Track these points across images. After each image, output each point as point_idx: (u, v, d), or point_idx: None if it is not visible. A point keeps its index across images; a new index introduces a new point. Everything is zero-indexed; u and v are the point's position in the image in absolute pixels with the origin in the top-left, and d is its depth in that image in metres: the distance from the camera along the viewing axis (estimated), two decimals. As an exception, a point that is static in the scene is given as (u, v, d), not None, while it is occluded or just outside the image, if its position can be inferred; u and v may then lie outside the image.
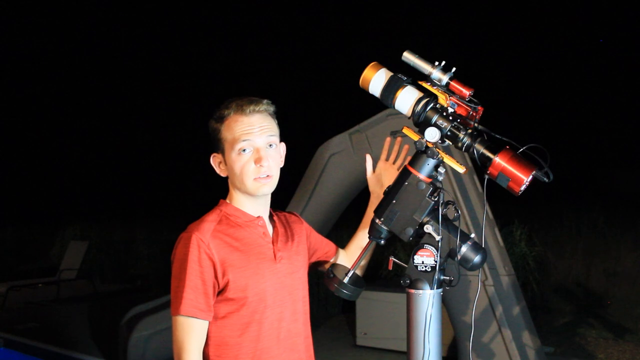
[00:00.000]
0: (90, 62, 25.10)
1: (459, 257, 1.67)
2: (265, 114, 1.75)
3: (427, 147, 1.66)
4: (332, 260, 2.02)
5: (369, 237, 1.78)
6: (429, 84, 1.68)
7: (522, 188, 1.59)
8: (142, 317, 5.47)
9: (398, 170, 1.80)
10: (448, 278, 1.69)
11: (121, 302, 7.93)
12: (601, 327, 6.72)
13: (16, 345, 5.95)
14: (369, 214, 1.94)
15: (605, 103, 17.91)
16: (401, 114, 1.75)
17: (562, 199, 11.07)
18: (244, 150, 1.71)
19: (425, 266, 1.67)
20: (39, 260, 12.36)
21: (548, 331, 6.53)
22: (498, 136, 1.64)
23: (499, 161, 1.59)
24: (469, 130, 1.64)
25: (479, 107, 1.65)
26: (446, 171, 1.76)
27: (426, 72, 1.68)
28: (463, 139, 1.64)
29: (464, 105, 1.65)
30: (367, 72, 1.76)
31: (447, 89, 1.67)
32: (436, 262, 1.65)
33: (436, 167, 1.69)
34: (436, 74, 1.67)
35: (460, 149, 1.66)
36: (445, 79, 1.66)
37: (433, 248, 1.66)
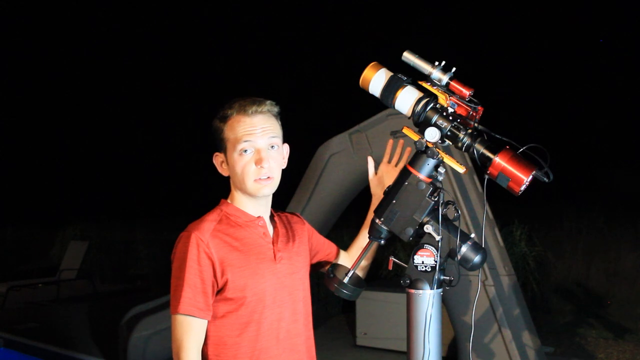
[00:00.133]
0: (90, 62, 25.10)
1: (459, 257, 1.67)
2: (269, 114, 1.75)
3: (427, 147, 1.66)
4: (333, 262, 2.02)
5: (369, 237, 1.78)
6: (429, 84, 1.69)
7: (522, 188, 1.59)
8: (142, 317, 5.47)
9: None
10: (448, 278, 1.69)
11: (121, 302, 7.93)
12: (601, 327, 6.72)
13: (16, 345, 5.95)
14: (371, 216, 1.94)
15: (605, 103, 17.90)
16: (401, 114, 1.75)
17: (562, 199, 11.06)
18: (246, 151, 1.71)
19: (425, 266, 1.67)
20: (39, 260, 12.36)
21: (548, 331, 6.53)
22: (498, 136, 1.64)
23: (499, 161, 1.60)
24: (469, 130, 1.64)
25: (479, 107, 1.65)
26: (446, 171, 1.76)
27: (426, 72, 1.68)
28: (463, 139, 1.64)
29: (464, 105, 1.65)
30: (367, 72, 1.76)
31: (447, 89, 1.67)
32: (436, 262, 1.65)
33: (436, 167, 1.69)
34: (436, 74, 1.67)
35: (460, 149, 1.66)
36: (445, 79, 1.66)
37: (433, 248, 1.66)
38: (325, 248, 2.02)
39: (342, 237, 8.81)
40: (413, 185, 1.68)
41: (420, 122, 1.70)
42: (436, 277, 1.66)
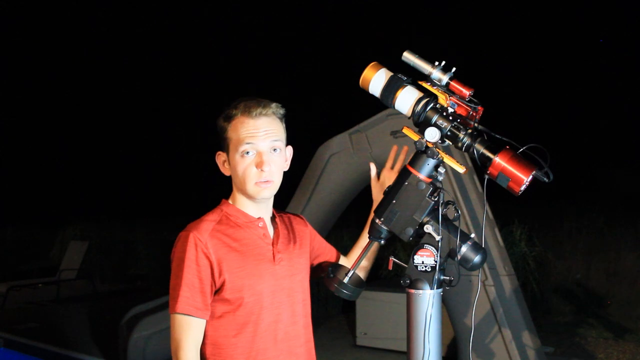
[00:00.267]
0: (90, 62, 25.10)
1: (459, 257, 1.67)
2: (273, 117, 1.74)
3: (427, 147, 1.66)
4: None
5: (369, 237, 1.78)
6: (429, 84, 1.68)
7: (522, 188, 1.59)
8: (142, 317, 5.47)
9: None
10: (448, 278, 1.69)
11: (121, 302, 7.93)
12: (601, 327, 6.72)
13: (16, 345, 5.95)
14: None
15: (605, 103, 17.90)
16: (401, 114, 1.75)
17: (562, 199, 11.06)
18: (247, 152, 1.71)
19: (425, 266, 1.67)
20: (39, 260, 12.36)
21: (548, 331, 6.53)
22: (498, 136, 1.64)
23: (499, 161, 1.60)
24: (469, 130, 1.64)
25: (479, 107, 1.65)
26: (446, 171, 1.76)
27: (426, 72, 1.68)
28: (463, 139, 1.64)
29: (464, 105, 1.65)
30: (367, 72, 1.76)
31: (447, 89, 1.67)
32: (436, 262, 1.65)
33: (436, 167, 1.69)
34: (436, 74, 1.67)
35: (460, 149, 1.66)
36: (445, 79, 1.66)
37: (433, 248, 1.66)
38: (326, 252, 2.01)
39: (342, 237, 8.82)
40: (413, 185, 1.68)
41: (420, 122, 1.69)
42: (436, 277, 1.66)
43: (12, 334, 6.82)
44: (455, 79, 1.66)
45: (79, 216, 13.85)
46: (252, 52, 24.83)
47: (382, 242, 1.78)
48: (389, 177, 1.97)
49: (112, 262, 11.90)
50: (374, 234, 1.76)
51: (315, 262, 1.97)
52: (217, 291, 1.70)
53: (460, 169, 1.64)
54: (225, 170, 1.80)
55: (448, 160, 1.66)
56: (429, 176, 1.69)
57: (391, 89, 1.72)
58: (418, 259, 1.67)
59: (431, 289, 1.66)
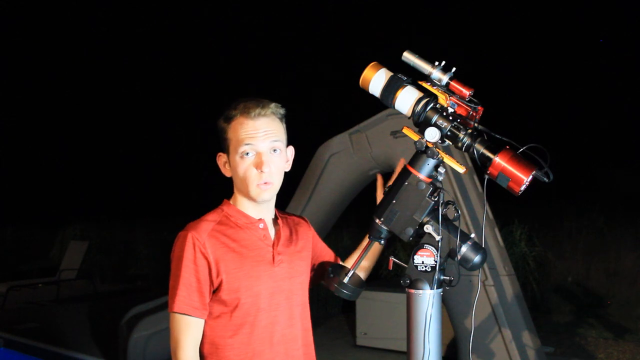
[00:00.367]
0: (90, 62, 25.10)
1: (459, 257, 1.67)
2: (272, 117, 1.74)
3: (427, 147, 1.66)
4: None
5: (369, 238, 1.78)
6: (429, 84, 1.68)
7: (522, 188, 1.59)
8: (142, 317, 5.47)
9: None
10: (448, 278, 1.69)
11: (121, 302, 7.93)
12: (601, 327, 6.72)
13: (16, 345, 5.95)
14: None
15: (605, 103, 17.90)
16: (401, 114, 1.75)
17: (562, 199, 11.06)
18: (247, 154, 1.70)
19: (425, 266, 1.67)
20: (39, 260, 12.36)
21: (548, 331, 6.53)
22: (498, 136, 1.64)
23: (499, 161, 1.59)
24: (469, 130, 1.64)
25: (479, 107, 1.65)
26: (446, 171, 1.76)
27: (426, 72, 1.68)
28: (463, 139, 1.64)
29: (464, 105, 1.65)
30: (367, 72, 1.76)
31: (447, 89, 1.67)
32: (436, 262, 1.65)
33: (436, 167, 1.69)
34: (436, 74, 1.67)
35: (460, 149, 1.66)
36: (445, 79, 1.66)
37: (433, 248, 1.66)
38: (326, 257, 1.99)
39: (342, 237, 8.82)
40: (413, 185, 1.68)
41: (420, 122, 1.69)
42: (436, 277, 1.66)
43: (12, 334, 6.82)
44: (455, 79, 1.66)
45: (79, 216, 13.85)
46: (252, 52, 24.83)
47: (382, 242, 1.78)
48: None
49: (112, 262, 11.90)
50: (374, 234, 1.76)
51: (316, 265, 1.96)
52: (215, 291, 1.70)
53: (460, 169, 1.64)
54: (226, 171, 1.79)
55: (448, 160, 1.66)
56: (429, 176, 1.69)
57: (391, 89, 1.72)
58: (418, 259, 1.67)
59: (431, 289, 1.66)
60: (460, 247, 1.66)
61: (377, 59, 1.79)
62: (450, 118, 1.66)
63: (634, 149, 15.86)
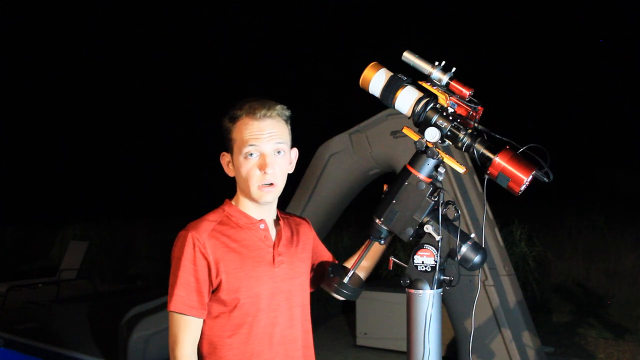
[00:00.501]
0: (90, 62, 25.11)
1: (459, 257, 1.67)
2: (278, 119, 1.73)
3: (427, 147, 1.66)
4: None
5: (369, 238, 1.78)
6: (429, 84, 1.68)
7: (522, 188, 1.59)
8: (142, 317, 5.47)
9: None
10: (448, 278, 1.69)
11: (121, 302, 7.93)
12: (601, 327, 6.72)
13: (16, 345, 5.95)
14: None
15: (605, 103, 17.91)
16: (401, 114, 1.75)
17: (562, 199, 11.06)
18: (251, 154, 1.70)
19: (425, 266, 1.67)
20: (39, 260, 12.36)
21: (548, 331, 6.53)
22: (498, 136, 1.64)
23: (499, 161, 1.59)
24: (469, 130, 1.64)
25: (479, 107, 1.65)
26: (446, 171, 1.76)
27: (426, 72, 1.68)
28: (463, 139, 1.64)
29: (464, 105, 1.65)
30: (367, 72, 1.75)
31: (447, 89, 1.67)
32: (436, 262, 1.65)
33: (436, 167, 1.69)
34: (436, 74, 1.67)
35: (460, 149, 1.66)
36: (445, 79, 1.66)
37: (433, 248, 1.66)
38: (324, 259, 1.99)
39: (342, 237, 8.82)
40: (413, 185, 1.68)
41: (420, 122, 1.69)
42: (436, 277, 1.66)
43: (12, 334, 6.82)
44: (455, 79, 1.66)
45: (79, 216, 13.86)
46: (252, 52, 24.84)
47: (382, 242, 1.78)
48: None
49: (112, 262, 11.90)
50: (374, 234, 1.76)
51: (315, 266, 1.96)
52: (214, 291, 1.70)
53: (460, 169, 1.64)
54: (230, 171, 1.79)
55: (448, 160, 1.66)
56: (429, 176, 1.69)
57: (391, 89, 1.72)
58: (418, 259, 1.67)
59: (431, 289, 1.66)
60: (460, 247, 1.66)
61: (377, 59, 1.79)
62: (450, 118, 1.66)
63: (634, 149, 15.87)
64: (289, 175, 1.81)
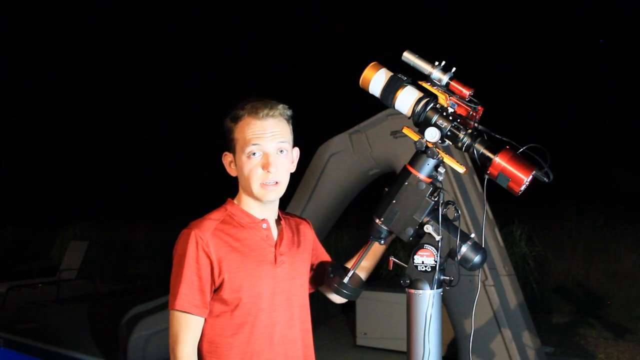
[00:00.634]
0: (90, 62, 25.11)
1: (459, 257, 1.67)
2: (280, 118, 1.74)
3: (427, 147, 1.66)
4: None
5: (369, 238, 1.78)
6: (429, 84, 1.68)
7: (522, 188, 1.59)
8: (142, 317, 5.47)
9: None
10: (448, 278, 1.69)
11: (121, 302, 7.93)
12: (601, 327, 6.72)
13: (16, 345, 5.95)
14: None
15: (605, 103, 17.91)
16: (401, 114, 1.75)
17: (562, 199, 11.06)
18: (254, 154, 1.70)
19: (425, 266, 1.67)
20: (39, 260, 12.36)
21: (548, 331, 6.53)
22: (498, 136, 1.64)
23: (499, 161, 1.59)
24: (469, 130, 1.64)
25: (479, 107, 1.65)
26: (446, 171, 1.76)
27: (426, 72, 1.68)
28: (463, 139, 1.64)
29: (464, 105, 1.65)
30: (367, 72, 1.75)
31: (447, 89, 1.67)
32: (436, 262, 1.65)
33: (436, 167, 1.69)
34: (436, 74, 1.66)
35: (460, 149, 1.66)
36: (445, 79, 1.66)
37: (433, 248, 1.66)
38: (323, 260, 1.99)
39: (342, 237, 8.82)
40: (413, 185, 1.68)
41: (420, 122, 1.69)
42: (436, 277, 1.66)
43: (12, 334, 6.82)
44: (455, 79, 1.66)
45: (79, 216, 13.87)
46: (252, 52, 24.84)
47: (383, 242, 1.78)
48: None
49: (112, 262, 11.90)
50: (374, 234, 1.76)
51: (314, 266, 1.96)
52: (216, 290, 1.70)
53: (460, 169, 1.64)
54: (232, 171, 1.79)
55: (448, 160, 1.66)
56: (429, 176, 1.69)
57: (391, 89, 1.72)
58: (418, 259, 1.67)
59: (431, 289, 1.66)
60: (460, 247, 1.66)
61: (377, 59, 1.79)
62: (450, 118, 1.66)
63: (634, 149, 15.87)
64: (289, 175, 1.81)
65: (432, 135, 1.65)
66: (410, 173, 1.69)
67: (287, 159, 1.76)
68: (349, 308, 7.11)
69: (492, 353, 4.28)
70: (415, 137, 1.68)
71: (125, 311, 5.68)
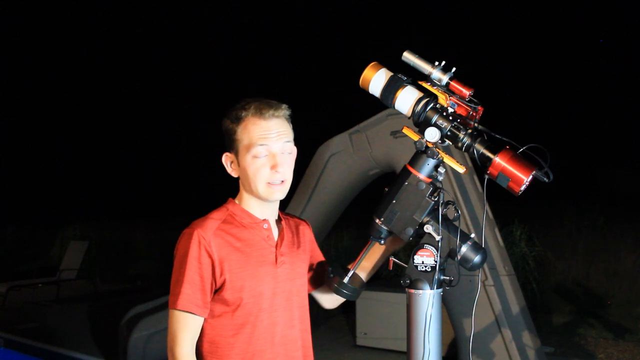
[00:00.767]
0: (90, 62, 25.11)
1: (459, 257, 1.67)
2: (283, 118, 1.74)
3: (427, 147, 1.66)
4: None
5: (370, 237, 1.78)
6: (429, 84, 1.68)
7: (522, 188, 1.59)
8: (142, 317, 5.47)
9: None
10: (448, 278, 1.69)
11: (121, 302, 7.93)
12: (601, 327, 6.72)
13: (16, 345, 5.95)
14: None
15: (605, 103, 17.91)
16: (401, 114, 1.74)
17: (562, 199, 11.06)
18: (261, 154, 1.71)
19: (425, 266, 1.66)
20: (39, 260, 12.36)
21: (548, 331, 6.53)
22: (498, 136, 1.64)
23: (499, 161, 1.59)
24: (469, 130, 1.64)
25: (479, 107, 1.65)
26: (446, 171, 1.76)
27: (426, 72, 1.68)
28: (463, 139, 1.64)
29: (464, 105, 1.65)
30: (367, 72, 1.75)
31: (447, 89, 1.67)
32: (436, 262, 1.65)
33: (436, 167, 1.69)
34: (436, 74, 1.66)
35: (460, 149, 1.66)
36: (445, 79, 1.65)
37: (433, 248, 1.66)
38: (318, 262, 1.99)
39: (342, 237, 8.82)
40: (413, 185, 1.68)
41: (420, 122, 1.69)
42: (436, 277, 1.66)
43: (12, 334, 6.82)
44: (455, 79, 1.66)
45: (79, 216, 13.87)
46: (252, 52, 24.85)
47: (382, 242, 1.78)
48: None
49: (112, 262, 11.90)
50: (374, 234, 1.76)
51: (314, 266, 1.96)
52: (217, 290, 1.70)
53: (460, 169, 1.64)
54: (233, 171, 1.78)
55: (448, 160, 1.66)
56: (429, 176, 1.69)
57: (391, 89, 1.72)
58: (418, 259, 1.67)
59: (431, 289, 1.66)
60: (460, 247, 1.66)
61: (377, 59, 1.79)
62: (450, 118, 1.66)
63: (634, 149, 15.87)
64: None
65: (432, 135, 1.65)
66: (410, 173, 1.69)
67: (292, 158, 1.77)
68: (349, 308, 7.11)
69: (492, 353, 4.28)
70: (415, 137, 1.68)
71: (125, 311, 5.68)
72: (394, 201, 1.70)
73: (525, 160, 1.60)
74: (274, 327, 1.74)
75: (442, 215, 1.67)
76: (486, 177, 1.63)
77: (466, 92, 1.64)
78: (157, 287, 9.74)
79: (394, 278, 6.38)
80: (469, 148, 1.64)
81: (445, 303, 4.34)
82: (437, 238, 1.65)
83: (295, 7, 23.10)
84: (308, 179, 5.35)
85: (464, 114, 1.66)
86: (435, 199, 1.67)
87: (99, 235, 12.66)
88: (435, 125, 1.66)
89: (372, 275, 1.96)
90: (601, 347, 6.14)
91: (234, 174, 1.78)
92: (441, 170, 1.70)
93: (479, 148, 1.63)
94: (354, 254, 1.97)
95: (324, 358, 5.73)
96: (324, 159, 5.23)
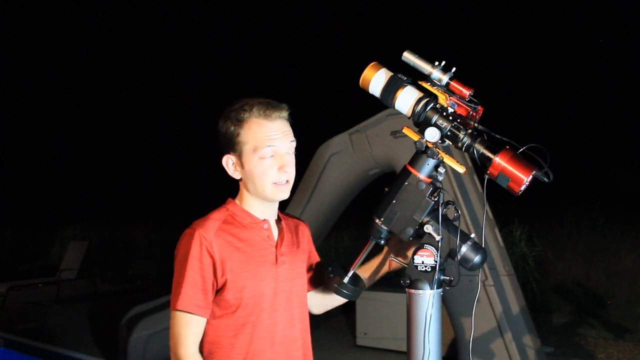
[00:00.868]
0: (90, 62, 25.11)
1: (459, 257, 1.67)
2: (285, 119, 1.75)
3: (427, 147, 1.66)
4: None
5: (370, 237, 1.78)
6: (429, 84, 1.68)
7: (522, 188, 1.59)
8: (142, 317, 5.47)
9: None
10: (448, 278, 1.69)
11: (121, 302, 7.93)
12: (601, 327, 6.72)
13: (16, 345, 5.95)
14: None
15: (605, 103, 17.91)
16: (401, 114, 1.74)
17: (562, 199, 11.06)
18: (267, 155, 1.70)
19: (425, 266, 1.66)
20: (39, 260, 12.37)
21: (548, 331, 6.53)
22: (498, 136, 1.64)
23: (499, 161, 1.59)
24: (469, 130, 1.64)
25: (479, 107, 1.65)
26: (446, 171, 1.76)
27: (426, 72, 1.68)
28: (463, 139, 1.64)
29: (464, 105, 1.65)
30: (367, 72, 1.75)
31: (447, 89, 1.66)
32: (436, 262, 1.65)
33: (436, 167, 1.69)
34: (436, 74, 1.66)
35: (460, 149, 1.65)
36: (445, 79, 1.65)
37: (433, 248, 1.66)
38: (314, 262, 1.99)
39: (342, 237, 8.82)
40: (413, 185, 1.68)
41: (420, 122, 1.69)
42: (436, 277, 1.66)
43: (12, 334, 6.82)
44: (455, 79, 1.66)
45: (79, 216, 13.87)
46: (252, 52, 24.85)
47: (382, 242, 1.78)
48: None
49: (112, 262, 11.91)
50: (374, 234, 1.76)
51: (313, 266, 1.96)
52: (219, 291, 1.70)
53: (460, 169, 1.64)
54: (237, 173, 1.77)
55: (448, 160, 1.66)
56: (429, 176, 1.69)
57: (391, 89, 1.72)
58: (418, 259, 1.67)
59: (431, 289, 1.65)
60: (460, 247, 1.66)
61: (377, 59, 1.79)
62: (450, 118, 1.66)
63: (634, 149, 15.87)
64: None
65: (432, 135, 1.65)
66: (410, 173, 1.69)
67: (294, 157, 1.78)
68: (349, 308, 7.11)
69: (492, 353, 4.28)
70: (415, 137, 1.68)
71: (125, 311, 5.68)
72: (394, 201, 1.70)
73: (525, 160, 1.60)
74: (275, 327, 1.74)
75: (442, 215, 1.67)
76: (486, 177, 1.63)
77: (466, 92, 1.64)
78: (157, 287, 9.74)
79: (394, 278, 6.38)
80: (469, 148, 1.64)
81: (445, 303, 4.34)
82: (437, 238, 1.65)
83: (295, 7, 23.11)
84: (308, 179, 5.35)
85: (464, 114, 1.65)
86: (435, 199, 1.67)
87: (99, 235, 12.67)
88: (435, 125, 1.66)
89: (375, 280, 1.95)
90: (601, 347, 6.14)
91: (236, 176, 1.77)
92: (441, 170, 1.70)
93: (479, 148, 1.63)
94: (354, 254, 1.97)
95: (324, 358, 5.73)
96: (324, 159, 5.23)
